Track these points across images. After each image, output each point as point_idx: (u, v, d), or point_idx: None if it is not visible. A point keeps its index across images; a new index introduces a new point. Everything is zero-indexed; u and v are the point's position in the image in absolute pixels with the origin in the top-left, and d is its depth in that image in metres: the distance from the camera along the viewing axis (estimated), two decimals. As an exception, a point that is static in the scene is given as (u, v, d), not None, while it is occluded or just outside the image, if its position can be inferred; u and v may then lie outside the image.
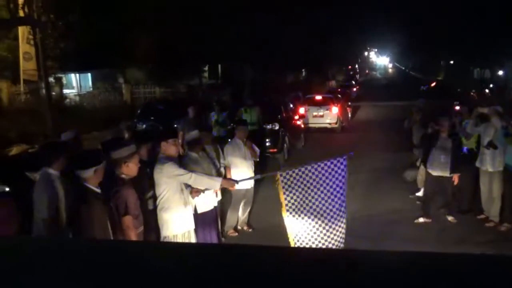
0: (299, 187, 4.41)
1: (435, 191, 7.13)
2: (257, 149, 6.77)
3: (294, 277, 0.97)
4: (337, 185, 4.42)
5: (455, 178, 6.83)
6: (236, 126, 6.97)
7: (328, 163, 4.42)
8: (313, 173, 4.40)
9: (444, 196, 7.14)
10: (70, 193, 3.84)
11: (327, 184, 4.41)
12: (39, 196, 4.01)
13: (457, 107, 8.14)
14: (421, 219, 7.09)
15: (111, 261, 1.08)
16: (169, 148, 4.59)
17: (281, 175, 4.44)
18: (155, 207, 4.61)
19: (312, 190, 4.41)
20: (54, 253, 1.15)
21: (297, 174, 4.42)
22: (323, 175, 4.41)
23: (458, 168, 6.81)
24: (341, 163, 4.42)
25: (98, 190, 3.55)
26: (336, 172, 4.41)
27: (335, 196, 4.42)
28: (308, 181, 4.41)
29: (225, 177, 5.96)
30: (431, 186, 7.11)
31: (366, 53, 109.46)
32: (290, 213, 4.42)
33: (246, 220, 6.94)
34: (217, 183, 4.74)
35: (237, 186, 6.14)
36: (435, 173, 6.93)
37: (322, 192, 4.41)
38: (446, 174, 6.82)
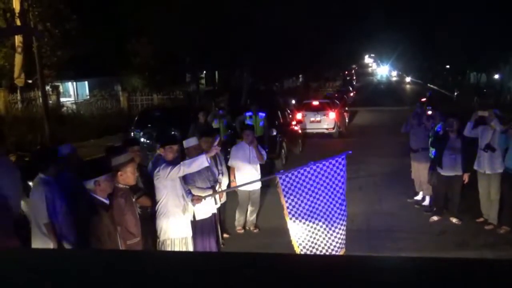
0: (299, 189, 4.41)
1: (445, 191, 7.23)
2: (263, 153, 6.91)
3: (295, 284, 0.96)
4: (337, 185, 4.42)
5: (466, 177, 6.97)
6: (243, 131, 7.08)
7: (327, 163, 4.44)
8: (312, 174, 4.42)
9: (451, 197, 7.20)
10: (78, 203, 3.81)
11: (327, 184, 4.42)
12: (37, 202, 4.00)
13: (429, 112, 8.05)
14: (435, 217, 7.24)
15: (112, 270, 1.07)
16: (167, 154, 4.80)
17: (280, 178, 4.45)
18: (142, 213, 4.60)
19: (312, 191, 4.41)
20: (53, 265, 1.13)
21: (296, 176, 4.42)
22: (323, 175, 4.42)
23: (469, 167, 6.94)
24: (339, 163, 4.44)
25: (106, 201, 3.51)
26: (335, 172, 4.43)
27: (335, 195, 4.43)
28: (308, 183, 4.41)
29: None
30: (441, 187, 7.23)
31: (365, 61, 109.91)
32: (293, 215, 4.43)
33: (254, 221, 7.09)
34: (201, 158, 4.57)
35: (241, 188, 6.45)
36: (445, 173, 7.05)
37: (322, 192, 4.42)
38: (456, 173, 6.96)
